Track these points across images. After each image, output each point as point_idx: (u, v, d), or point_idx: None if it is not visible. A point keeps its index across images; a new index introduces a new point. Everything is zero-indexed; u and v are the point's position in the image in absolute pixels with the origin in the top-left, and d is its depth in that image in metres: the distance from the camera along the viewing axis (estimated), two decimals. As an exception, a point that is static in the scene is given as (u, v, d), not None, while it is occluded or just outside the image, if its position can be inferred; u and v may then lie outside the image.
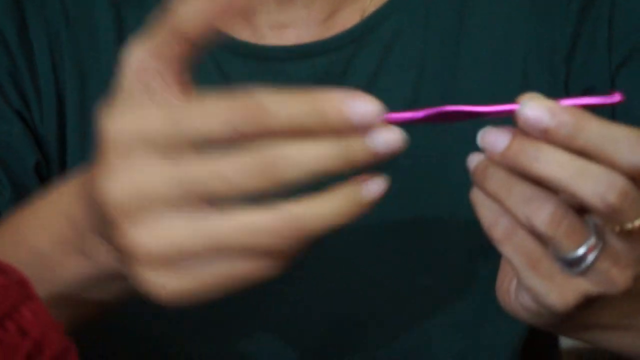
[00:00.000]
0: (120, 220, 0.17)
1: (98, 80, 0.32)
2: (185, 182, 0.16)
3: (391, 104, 0.31)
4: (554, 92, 0.32)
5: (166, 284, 0.17)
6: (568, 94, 0.33)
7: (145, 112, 0.17)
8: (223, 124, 0.16)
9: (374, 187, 0.17)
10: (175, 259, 0.17)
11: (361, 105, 0.16)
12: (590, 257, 0.19)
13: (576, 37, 0.33)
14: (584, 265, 0.19)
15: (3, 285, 0.18)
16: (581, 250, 0.19)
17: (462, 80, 0.33)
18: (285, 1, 0.32)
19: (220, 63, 0.33)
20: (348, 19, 0.34)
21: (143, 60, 0.17)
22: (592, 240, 0.19)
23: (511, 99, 0.29)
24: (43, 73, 0.32)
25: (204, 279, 0.17)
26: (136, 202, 0.16)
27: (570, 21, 0.33)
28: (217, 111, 0.16)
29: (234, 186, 0.16)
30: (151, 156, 0.16)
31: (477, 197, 0.20)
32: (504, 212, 0.19)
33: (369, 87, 0.32)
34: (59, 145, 0.32)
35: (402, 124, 0.18)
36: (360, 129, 0.16)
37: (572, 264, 0.19)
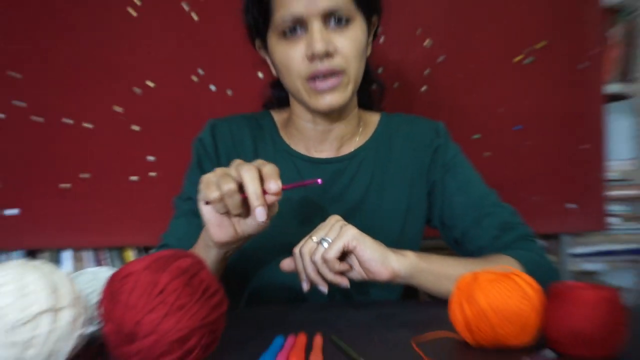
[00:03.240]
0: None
1: None
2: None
3: (357, 188, 0.75)
4: (424, 189, 0.75)
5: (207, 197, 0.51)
6: (430, 189, 0.75)
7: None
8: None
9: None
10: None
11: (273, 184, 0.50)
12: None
13: (431, 161, 0.74)
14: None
15: (197, 262, 0.40)
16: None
17: (390, 179, 0.73)
18: (323, 143, 0.73)
19: (295, 163, 0.73)
20: (346, 149, 0.74)
21: None
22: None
23: (404, 197, 0.76)
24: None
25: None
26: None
27: (430, 153, 0.75)
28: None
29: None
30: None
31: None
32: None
33: (352, 179, 0.73)
34: None
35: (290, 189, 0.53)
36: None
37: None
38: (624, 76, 1.63)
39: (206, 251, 0.56)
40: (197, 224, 0.59)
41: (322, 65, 0.61)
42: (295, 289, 0.61)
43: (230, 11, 1.14)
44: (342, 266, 0.56)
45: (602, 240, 1.57)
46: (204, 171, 0.68)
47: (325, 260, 0.54)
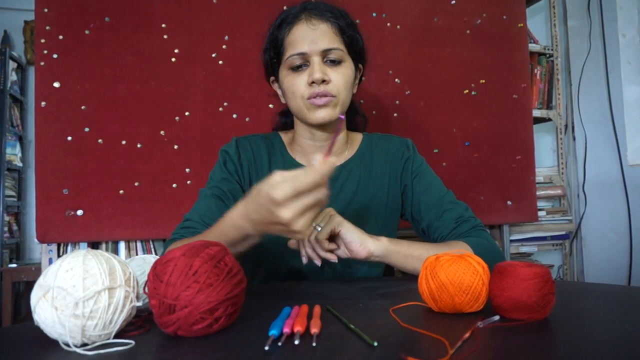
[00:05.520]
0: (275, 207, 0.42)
1: (260, 178, 0.64)
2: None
3: (348, 190, 0.74)
4: (398, 191, 0.74)
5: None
6: (402, 191, 0.74)
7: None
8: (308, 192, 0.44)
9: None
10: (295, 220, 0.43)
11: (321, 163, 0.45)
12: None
13: (403, 169, 0.74)
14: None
15: (222, 249, 0.37)
16: None
17: (373, 183, 0.73)
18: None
19: None
20: (338, 161, 0.72)
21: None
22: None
23: (383, 197, 0.75)
24: (246, 174, 0.71)
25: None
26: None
27: (402, 163, 0.74)
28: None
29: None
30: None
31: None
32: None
33: (343, 184, 0.72)
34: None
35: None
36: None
37: None
38: (546, 104, 1.64)
39: (233, 230, 0.50)
40: (216, 204, 0.63)
41: (319, 88, 0.63)
42: (298, 271, 0.61)
43: (247, 60, 1.17)
44: (331, 245, 0.58)
45: (533, 229, 1.57)
46: (227, 169, 0.70)
47: (317, 240, 0.57)
